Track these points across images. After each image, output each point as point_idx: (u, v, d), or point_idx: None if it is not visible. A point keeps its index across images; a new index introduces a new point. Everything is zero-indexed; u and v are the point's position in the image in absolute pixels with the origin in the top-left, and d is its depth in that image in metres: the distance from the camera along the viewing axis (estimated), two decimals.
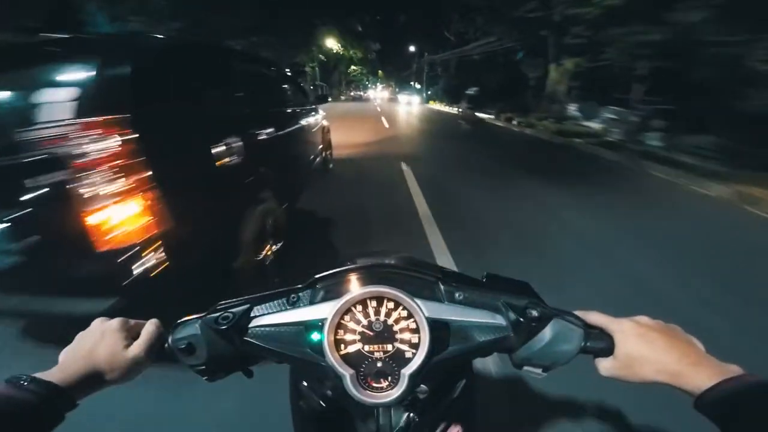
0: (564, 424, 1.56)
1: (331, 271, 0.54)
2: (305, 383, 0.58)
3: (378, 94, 62.99)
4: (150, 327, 0.52)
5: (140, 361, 0.49)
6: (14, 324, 1.99)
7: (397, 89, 58.61)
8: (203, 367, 0.51)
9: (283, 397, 0.66)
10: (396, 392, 0.46)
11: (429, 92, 36.13)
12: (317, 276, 0.53)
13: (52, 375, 0.43)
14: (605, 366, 0.48)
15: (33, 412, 0.39)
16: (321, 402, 0.56)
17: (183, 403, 1.59)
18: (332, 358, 0.47)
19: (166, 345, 0.51)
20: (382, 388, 0.47)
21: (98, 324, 0.50)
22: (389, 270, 0.54)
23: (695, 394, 0.39)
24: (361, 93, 67.26)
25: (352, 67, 51.77)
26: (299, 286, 0.53)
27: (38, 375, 0.42)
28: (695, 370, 0.41)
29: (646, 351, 0.44)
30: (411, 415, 0.50)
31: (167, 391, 1.60)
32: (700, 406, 0.39)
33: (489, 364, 1.71)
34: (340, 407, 0.54)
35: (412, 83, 50.70)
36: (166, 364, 0.53)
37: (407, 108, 26.91)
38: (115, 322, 0.50)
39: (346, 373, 0.46)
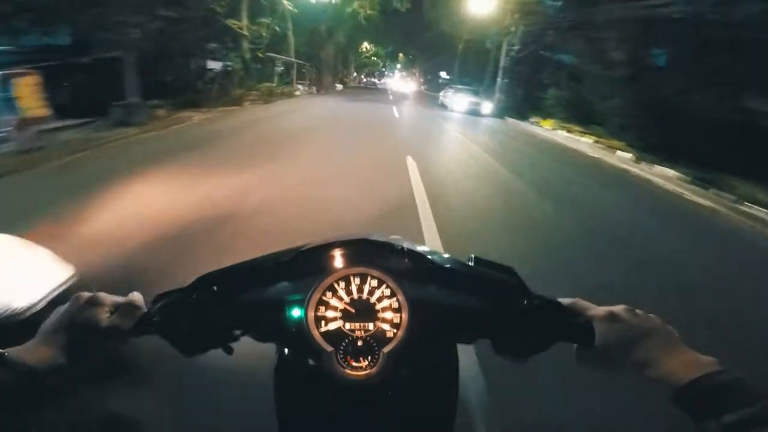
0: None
1: (315, 245, 0.53)
2: (287, 362, 0.58)
3: (395, 83, 51.72)
4: (130, 298, 0.51)
5: (119, 332, 0.47)
6: None
7: (424, 79, 48.98)
8: (182, 342, 0.50)
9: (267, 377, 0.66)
10: (375, 371, 0.46)
11: (500, 95, 18.32)
12: (301, 250, 0.53)
13: (24, 353, 0.42)
14: (584, 354, 0.48)
15: (5, 384, 0.37)
16: (302, 382, 0.56)
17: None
18: (313, 334, 0.47)
19: (146, 318, 0.50)
20: (361, 367, 0.47)
21: (77, 299, 0.49)
22: (374, 248, 0.54)
23: (672, 386, 0.39)
24: (376, 80, 61.66)
25: (365, 45, 41.40)
26: (283, 259, 0.53)
27: (12, 350, 0.41)
28: (674, 363, 0.41)
29: (625, 341, 0.44)
30: (392, 399, 0.50)
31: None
32: (677, 401, 0.39)
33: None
34: (322, 387, 0.54)
35: (443, 73, 39.71)
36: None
37: (481, 129, 12.84)
38: (95, 297, 0.50)
39: (326, 350, 0.46)
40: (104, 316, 0.48)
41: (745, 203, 6.00)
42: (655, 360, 0.42)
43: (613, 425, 1.60)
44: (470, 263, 0.56)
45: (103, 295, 0.50)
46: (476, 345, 0.54)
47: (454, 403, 0.57)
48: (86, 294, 0.50)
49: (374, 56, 50.98)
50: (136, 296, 0.52)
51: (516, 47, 17.51)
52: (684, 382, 0.38)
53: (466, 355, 1.62)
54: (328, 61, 27.53)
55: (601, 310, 0.48)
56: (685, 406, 0.38)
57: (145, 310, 0.50)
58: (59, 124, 6.36)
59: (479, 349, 0.57)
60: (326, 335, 0.48)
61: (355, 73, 48.88)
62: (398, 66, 65.63)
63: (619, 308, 0.48)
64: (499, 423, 1.57)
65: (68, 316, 0.47)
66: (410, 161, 6.14)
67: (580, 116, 13.15)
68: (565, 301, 0.51)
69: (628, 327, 0.45)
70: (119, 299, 0.50)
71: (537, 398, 1.67)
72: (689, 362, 0.40)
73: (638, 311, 0.47)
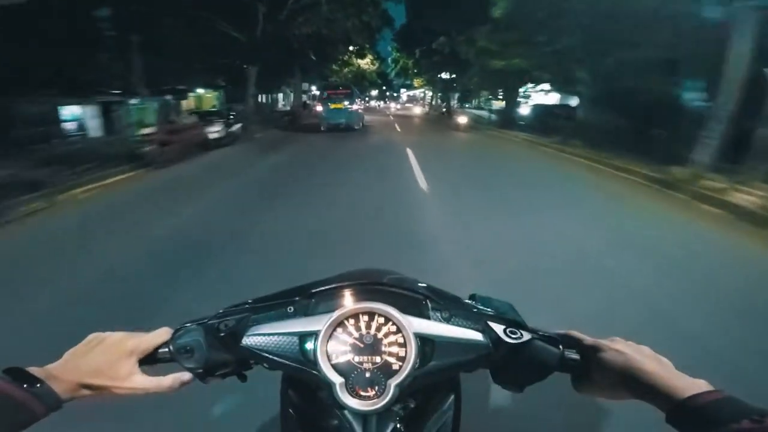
0: None
1: (326, 287, 0.58)
2: (295, 391, 0.62)
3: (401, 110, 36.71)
4: (160, 332, 0.55)
5: (132, 368, 0.51)
6: None
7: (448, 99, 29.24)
8: (200, 370, 0.54)
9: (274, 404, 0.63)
10: (382, 401, 0.49)
11: None
12: (314, 290, 0.58)
13: (46, 371, 0.44)
14: (581, 384, 0.51)
15: (17, 405, 0.39)
16: (310, 410, 0.59)
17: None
18: (324, 367, 0.50)
19: (168, 348, 0.55)
20: (369, 396, 0.50)
21: (112, 334, 0.52)
22: (381, 287, 0.58)
23: (665, 407, 0.42)
24: (379, 103, 49.73)
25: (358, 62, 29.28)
26: (296, 298, 0.58)
27: (33, 369, 0.43)
28: (667, 386, 0.43)
29: (619, 370, 0.47)
30: (397, 425, 0.53)
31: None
32: (671, 419, 0.41)
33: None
34: (328, 416, 0.57)
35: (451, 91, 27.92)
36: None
37: None
38: (127, 334, 0.53)
39: (336, 381, 0.50)
40: (130, 351, 0.51)
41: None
42: (649, 384, 0.44)
43: None
44: (470, 300, 0.60)
45: (134, 333, 0.54)
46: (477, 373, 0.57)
47: (456, 428, 0.59)
48: (122, 333, 0.53)
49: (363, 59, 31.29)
50: (166, 330, 0.56)
51: None
52: (676, 403, 0.40)
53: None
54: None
55: (593, 341, 0.52)
56: (678, 424, 0.40)
57: (165, 344, 0.55)
58: None
59: (480, 376, 0.60)
60: (336, 367, 0.51)
61: (316, 91, 28.41)
62: (405, 81, 44.45)
63: (611, 339, 0.51)
64: None
65: (96, 344, 0.50)
66: None
67: None
68: (560, 332, 0.54)
69: (621, 356, 0.48)
70: (147, 336, 0.54)
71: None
72: (681, 384, 0.42)
73: (631, 342, 0.50)
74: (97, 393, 0.48)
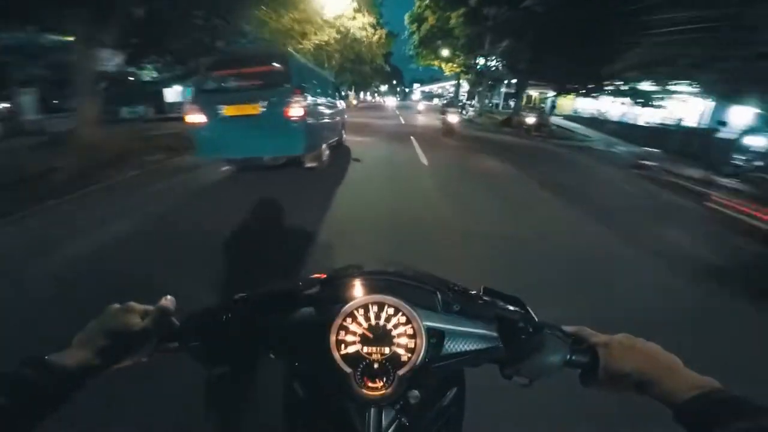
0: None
1: (339, 278, 0.59)
2: (300, 382, 0.62)
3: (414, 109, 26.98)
4: (163, 302, 0.55)
5: (149, 335, 0.51)
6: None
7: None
8: (209, 358, 0.55)
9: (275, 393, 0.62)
10: (390, 392, 0.50)
11: None
12: (326, 281, 0.58)
13: (61, 357, 0.45)
14: (589, 380, 0.51)
15: (39, 388, 0.40)
16: (314, 401, 0.60)
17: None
18: (334, 356, 0.51)
19: (177, 335, 0.55)
20: (377, 387, 0.51)
21: (110, 309, 0.53)
22: (391, 279, 0.58)
23: (672, 405, 0.42)
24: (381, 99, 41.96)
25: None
26: (308, 288, 0.59)
27: (48, 356, 0.44)
28: (675, 383, 0.43)
29: (627, 366, 0.47)
30: (402, 418, 0.54)
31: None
32: (678, 417, 0.41)
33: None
34: (333, 407, 0.58)
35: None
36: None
37: None
38: (127, 305, 0.53)
39: (346, 371, 0.51)
40: (136, 321, 0.52)
41: None
42: (657, 382, 0.44)
43: None
44: (480, 293, 0.60)
45: (134, 304, 0.54)
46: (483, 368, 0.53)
47: (460, 422, 0.60)
48: (118, 305, 0.53)
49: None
50: (166, 302, 0.55)
51: None
52: (683, 400, 0.41)
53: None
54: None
55: (603, 338, 0.51)
56: (685, 422, 0.40)
57: (174, 315, 0.54)
58: None
59: (486, 371, 0.58)
60: (346, 357, 0.52)
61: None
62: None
63: (620, 336, 0.51)
64: None
65: (101, 324, 0.50)
66: None
67: None
68: (569, 328, 0.54)
69: (629, 353, 0.48)
70: (149, 307, 0.54)
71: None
72: (689, 382, 0.43)
73: (641, 339, 0.50)
74: (114, 366, 0.49)
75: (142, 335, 0.51)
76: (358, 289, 0.57)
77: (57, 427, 0.47)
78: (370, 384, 0.51)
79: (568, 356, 0.51)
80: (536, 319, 0.55)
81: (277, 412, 0.66)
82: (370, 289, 0.56)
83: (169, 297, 0.56)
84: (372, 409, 0.51)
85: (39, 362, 0.42)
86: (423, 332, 0.51)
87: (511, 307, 0.57)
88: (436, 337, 0.53)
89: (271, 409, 0.69)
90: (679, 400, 0.41)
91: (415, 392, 0.53)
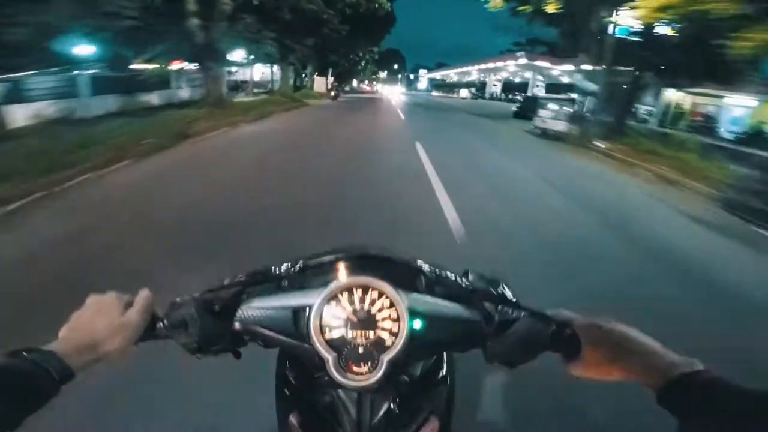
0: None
1: (320, 259, 0.58)
2: (291, 369, 0.62)
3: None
4: (142, 294, 0.54)
5: (135, 326, 0.50)
6: None
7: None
8: (194, 345, 0.53)
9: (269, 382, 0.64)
10: (375, 377, 0.50)
11: None
12: (307, 263, 0.57)
13: (51, 347, 0.44)
14: (573, 365, 0.51)
15: (30, 380, 0.40)
16: (305, 388, 0.60)
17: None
18: (317, 341, 0.51)
19: (161, 323, 0.53)
20: (362, 372, 0.50)
21: (93, 299, 0.52)
22: (375, 261, 0.58)
23: (654, 386, 0.41)
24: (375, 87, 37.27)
25: None
26: (290, 271, 0.57)
27: (35, 349, 0.43)
28: (657, 365, 0.43)
29: (610, 349, 0.47)
30: (391, 405, 0.53)
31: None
32: (661, 400, 0.41)
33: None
34: (323, 394, 0.58)
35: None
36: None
37: None
38: (109, 296, 0.53)
39: (329, 356, 0.50)
40: (120, 311, 0.51)
41: None
42: (638, 364, 0.44)
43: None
44: (464, 276, 0.59)
45: (116, 294, 0.54)
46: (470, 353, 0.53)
47: (450, 406, 0.60)
48: (100, 294, 0.53)
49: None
50: (146, 291, 0.55)
51: None
52: (665, 382, 0.40)
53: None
54: None
55: (585, 321, 0.51)
56: (667, 404, 0.40)
57: (153, 307, 0.53)
58: None
59: (474, 356, 0.58)
60: (330, 342, 0.51)
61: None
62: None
63: (601, 319, 0.50)
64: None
65: (86, 316, 0.50)
66: None
67: None
68: (551, 312, 0.53)
69: (612, 335, 0.48)
70: (131, 297, 0.54)
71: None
72: (670, 363, 0.42)
73: (620, 323, 0.50)
74: (103, 357, 0.48)
75: (127, 324, 0.51)
76: (341, 272, 0.56)
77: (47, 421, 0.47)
78: (355, 369, 0.51)
79: (551, 338, 0.51)
80: (518, 302, 0.54)
81: (271, 402, 0.65)
82: (354, 271, 0.55)
83: (145, 290, 0.55)
84: (360, 395, 0.51)
85: (26, 355, 0.42)
86: (406, 315, 0.51)
87: (493, 291, 0.56)
88: (419, 321, 0.52)
89: (264, 398, 0.69)
90: (660, 382, 0.41)
91: (404, 377, 0.53)
